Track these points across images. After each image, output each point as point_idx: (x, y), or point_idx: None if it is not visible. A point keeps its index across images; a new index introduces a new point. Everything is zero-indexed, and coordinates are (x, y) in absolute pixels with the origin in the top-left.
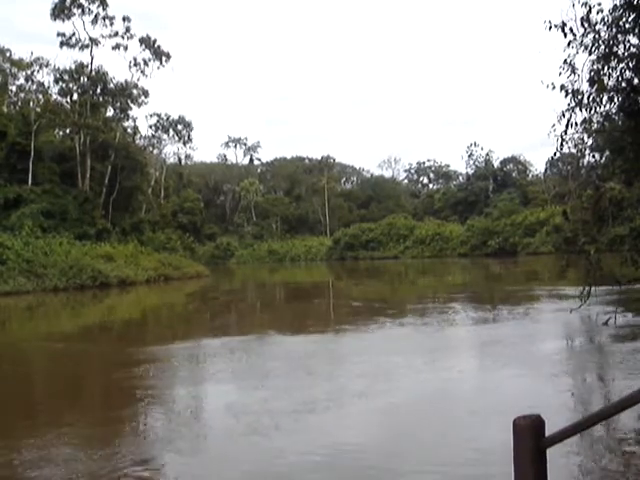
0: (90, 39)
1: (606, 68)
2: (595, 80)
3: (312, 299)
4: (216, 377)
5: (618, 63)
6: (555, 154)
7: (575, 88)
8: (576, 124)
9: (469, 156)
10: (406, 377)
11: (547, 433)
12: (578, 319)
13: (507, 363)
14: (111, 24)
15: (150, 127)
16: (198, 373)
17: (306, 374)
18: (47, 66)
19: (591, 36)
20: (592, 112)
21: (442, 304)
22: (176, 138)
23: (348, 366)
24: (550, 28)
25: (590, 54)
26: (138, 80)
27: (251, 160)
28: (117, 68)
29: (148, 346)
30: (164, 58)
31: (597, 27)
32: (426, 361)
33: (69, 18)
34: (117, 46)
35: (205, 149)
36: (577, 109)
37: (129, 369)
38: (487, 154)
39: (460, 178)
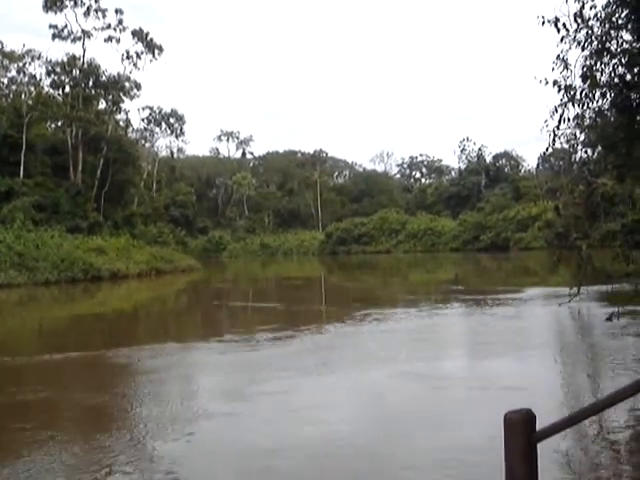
0: (82, 31)
1: (599, 64)
2: (588, 76)
3: (301, 297)
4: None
5: (611, 59)
6: (547, 149)
7: (568, 84)
8: (568, 120)
9: (462, 151)
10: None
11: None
12: (569, 314)
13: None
14: (103, 16)
15: (142, 120)
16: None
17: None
18: (39, 58)
19: (584, 32)
20: (584, 108)
21: (433, 302)
22: (168, 131)
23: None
24: (543, 23)
25: (583, 50)
26: (130, 73)
27: (244, 154)
28: (109, 61)
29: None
30: (157, 51)
31: (590, 23)
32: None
33: (61, 10)
34: (109, 39)
35: (197, 142)
36: (570, 105)
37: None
38: (479, 149)
39: (452, 173)
